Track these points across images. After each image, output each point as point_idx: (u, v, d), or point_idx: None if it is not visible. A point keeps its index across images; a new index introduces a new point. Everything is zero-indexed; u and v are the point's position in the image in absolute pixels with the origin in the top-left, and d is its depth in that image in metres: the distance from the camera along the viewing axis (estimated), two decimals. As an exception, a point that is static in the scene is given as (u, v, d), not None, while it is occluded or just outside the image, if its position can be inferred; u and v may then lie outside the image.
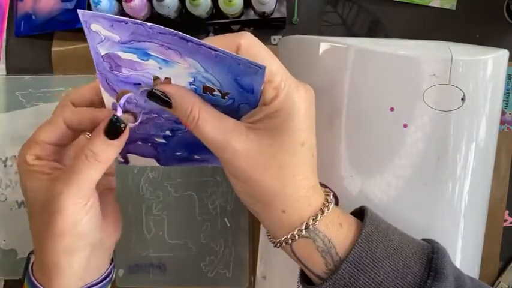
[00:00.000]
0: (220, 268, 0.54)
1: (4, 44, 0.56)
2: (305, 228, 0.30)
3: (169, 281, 0.54)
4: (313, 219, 0.30)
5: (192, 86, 0.29)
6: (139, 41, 0.27)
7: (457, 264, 0.38)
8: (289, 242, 0.31)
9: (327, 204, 0.31)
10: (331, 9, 0.54)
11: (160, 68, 0.29)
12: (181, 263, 0.54)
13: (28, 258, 0.35)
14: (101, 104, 0.32)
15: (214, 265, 0.54)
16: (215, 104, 0.30)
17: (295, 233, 0.30)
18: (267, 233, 0.33)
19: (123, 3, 0.49)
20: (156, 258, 0.54)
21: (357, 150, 0.38)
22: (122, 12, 0.52)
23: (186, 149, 0.35)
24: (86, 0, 0.51)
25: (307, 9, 0.54)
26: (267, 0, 0.48)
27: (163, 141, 0.34)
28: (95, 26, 0.27)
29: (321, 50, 0.38)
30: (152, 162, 0.36)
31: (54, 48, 0.55)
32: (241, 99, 0.30)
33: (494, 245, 0.53)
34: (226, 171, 0.31)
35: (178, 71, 0.29)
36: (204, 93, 0.30)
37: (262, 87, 0.29)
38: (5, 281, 0.57)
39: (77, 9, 0.26)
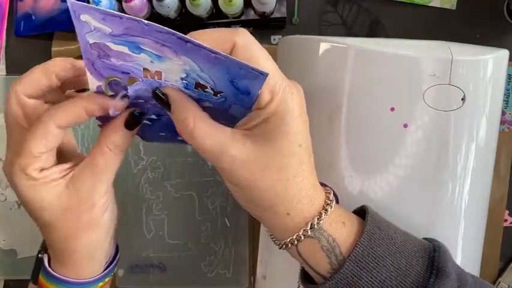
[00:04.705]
0: (220, 268, 0.54)
1: (4, 44, 0.56)
2: (310, 228, 0.30)
3: (169, 281, 0.54)
4: (317, 219, 0.30)
5: (184, 81, 0.29)
6: (132, 36, 0.27)
7: (457, 264, 0.38)
8: (295, 242, 0.31)
9: (329, 203, 0.31)
10: (331, 9, 0.54)
11: (151, 62, 0.28)
12: (181, 263, 0.54)
13: (40, 259, 0.35)
14: (59, 87, 0.32)
15: (214, 265, 0.54)
16: (205, 100, 0.30)
17: (300, 233, 0.30)
18: (271, 235, 0.33)
19: (123, 3, 0.49)
20: (156, 258, 0.54)
21: (357, 150, 0.38)
22: (122, 12, 0.52)
23: (170, 131, 0.34)
24: (85, 1, 0.51)
25: (307, 9, 0.54)
26: (267, 0, 0.48)
27: (148, 122, 0.34)
28: (84, 17, 0.26)
29: (321, 50, 0.38)
30: (135, 137, 0.36)
31: (54, 48, 0.55)
32: (235, 99, 0.29)
33: (494, 245, 0.53)
34: (225, 180, 0.31)
35: (170, 66, 0.28)
36: (196, 89, 0.29)
37: (259, 91, 0.28)
38: (5, 281, 0.57)
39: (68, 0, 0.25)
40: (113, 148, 0.31)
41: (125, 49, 0.28)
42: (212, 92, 0.29)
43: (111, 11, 0.25)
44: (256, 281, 0.47)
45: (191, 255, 0.54)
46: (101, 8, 0.25)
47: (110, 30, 0.26)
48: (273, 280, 0.43)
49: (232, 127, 0.30)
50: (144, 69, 0.29)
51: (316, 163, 0.32)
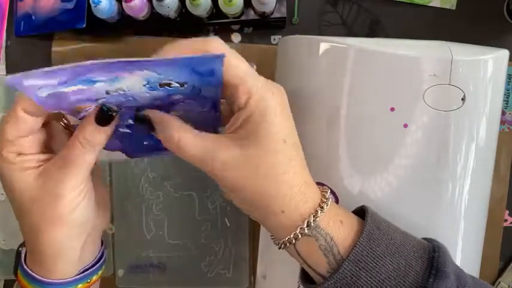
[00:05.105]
0: (220, 268, 0.54)
1: (4, 44, 0.56)
2: (307, 226, 0.30)
3: (169, 281, 0.54)
4: (313, 216, 0.30)
5: (147, 86, 0.29)
6: (80, 75, 0.27)
7: (457, 264, 0.38)
8: (293, 241, 0.31)
9: (324, 201, 0.31)
10: (331, 9, 0.54)
11: (110, 85, 0.29)
12: (181, 263, 0.54)
13: (19, 253, 0.35)
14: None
15: (214, 265, 0.54)
16: (175, 93, 0.31)
17: (297, 231, 0.30)
18: (271, 235, 0.34)
19: (123, 3, 0.49)
20: (156, 258, 0.54)
21: (357, 150, 0.38)
22: (122, 12, 0.52)
23: (151, 136, 0.34)
24: (85, 0, 0.51)
25: (307, 9, 0.54)
26: (267, 0, 0.48)
27: (128, 131, 0.34)
28: (27, 82, 0.26)
29: (321, 50, 0.38)
30: (119, 155, 0.36)
31: (54, 48, 0.55)
32: (202, 83, 0.30)
33: (494, 245, 0.53)
34: (220, 185, 0.31)
35: (128, 82, 0.28)
36: (161, 87, 0.30)
37: (223, 69, 0.29)
38: (5, 281, 0.57)
39: (6, 78, 0.25)
40: (84, 143, 0.31)
41: (79, 87, 0.28)
42: (178, 85, 0.30)
43: (48, 68, 0.25)
44: (256, 281, 0.47)
45: (191, 255, 0.54)
46: (36, 70, 0.25)
47: (57, 81, 0.27)
48: (273, 280, 0.43)
49: (218, 132, 0.31)
50: (106, 91, 0.29)
51: (316, 163, 0.32)
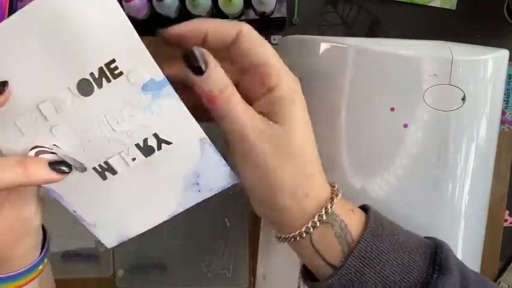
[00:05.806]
0: (220, 268, 0.54)
1: (4, 44, 0.56)
2: (325, 213, 0.30)
3: (169, 281, 0.54)
4: (330, 202, 0.30)
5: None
6: None
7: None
8: (310, 230, 0.30)
9: (334, 191, 0.31)
10: (331, 9, 0.54)
11: None
12: (181, 263, 0.54)
13: None
14: None
15: (214, 265, 0.54)
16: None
17: (315, 219, 0.30)
18: (277, 233, 0.33)
19: (123, 3, 0.49)
20: (156, 258, 0.54)
21: (357, 150, 0.38)
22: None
23: None
24: None
25: (307, 9, 0.54)
26: (267, 0, 0.48)
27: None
28: None
29: (321, 50, 0.38)
30: None
31: (54, 48, 0.55)
32: None
33: (494, 245, 0.53)
34: (242, 167, 0.30)
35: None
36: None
37: (251, 50, 0.29)
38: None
39: None
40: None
41: None
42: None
43: None
44: (256, 281, 0.47)
45: (191, 255, 0.54)
46: None
47: None
48: (273, 280, 0.43)
49: None
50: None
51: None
